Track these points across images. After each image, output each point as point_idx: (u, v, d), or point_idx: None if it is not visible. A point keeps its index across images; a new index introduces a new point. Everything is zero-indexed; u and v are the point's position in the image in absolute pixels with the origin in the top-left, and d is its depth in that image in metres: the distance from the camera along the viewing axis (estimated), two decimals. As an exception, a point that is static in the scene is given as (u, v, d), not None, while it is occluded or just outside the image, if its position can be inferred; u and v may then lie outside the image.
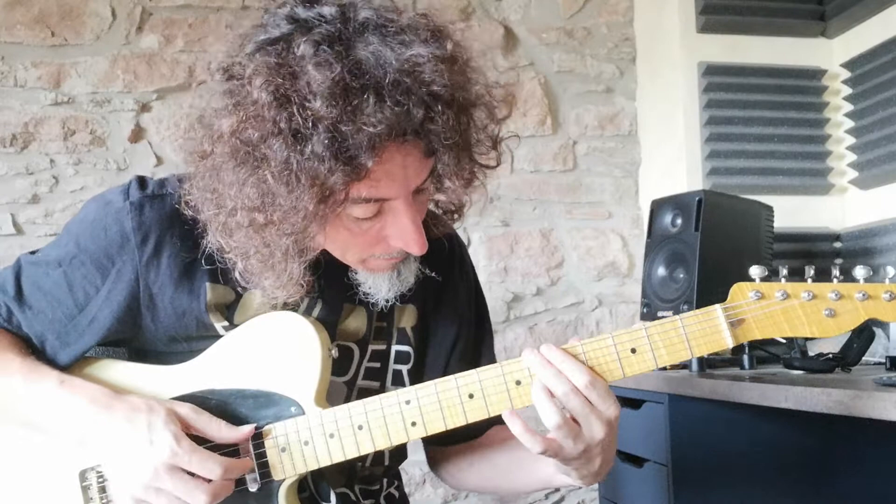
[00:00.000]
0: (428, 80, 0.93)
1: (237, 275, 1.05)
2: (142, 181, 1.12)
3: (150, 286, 1.10)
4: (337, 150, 0.91)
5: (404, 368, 1.23)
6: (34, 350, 1.12)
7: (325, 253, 1.10)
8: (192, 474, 1.01)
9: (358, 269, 1.10)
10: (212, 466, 1.01)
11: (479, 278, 1.36)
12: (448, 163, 0.99)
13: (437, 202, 1.13)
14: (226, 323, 1.12)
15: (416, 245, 1.03)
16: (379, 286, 1.11)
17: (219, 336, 1.12)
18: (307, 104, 0.91)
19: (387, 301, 1.13)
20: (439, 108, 0.94)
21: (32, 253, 1.17)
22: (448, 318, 1.27)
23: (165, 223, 1.09)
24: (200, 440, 1.05)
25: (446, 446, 1.30)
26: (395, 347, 1.23)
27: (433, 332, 1.27)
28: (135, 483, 1.02)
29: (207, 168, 1.00)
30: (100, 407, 1.05)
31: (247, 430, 1.06)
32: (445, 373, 1.24)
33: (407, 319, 1.24)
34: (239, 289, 1.11)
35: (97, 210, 1.11)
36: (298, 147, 0.91)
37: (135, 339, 1.15)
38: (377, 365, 1.21)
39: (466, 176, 1.03)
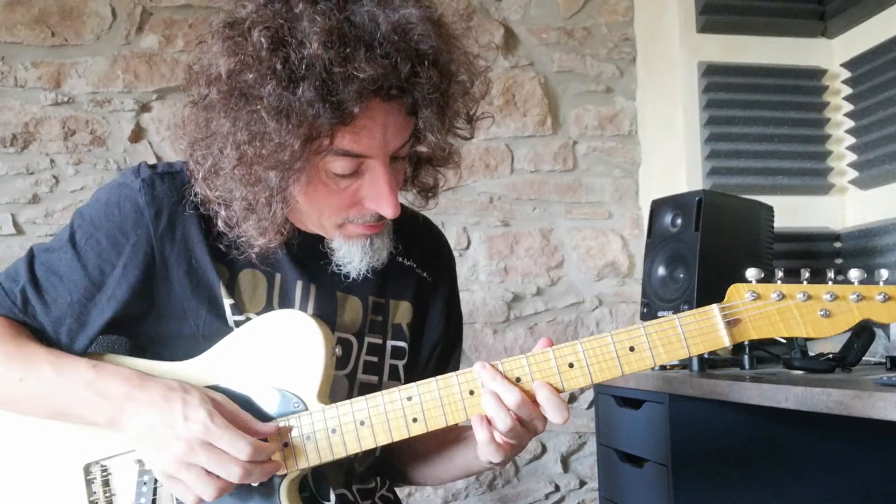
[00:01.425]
0: (416, 38, 1.00)
1: (220, 223, 1.09)
2: (150, 164, 1.17)
3: (167, 258, 1.13)
4: (326, 94, 0.96)
5: (400, 364, 1.25)
6: (49, 342, 1.13)
7: (302, 240, 1.14)
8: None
9: (334, 236, 1.13)
10: (242, 446, 1.02)
11: (479, 278, 1.38)
12: (429, 118, 1.04)
13: (415, 180, 1.18)
14: (232, 301, 1.14)
15: (389, 206, 1.06)
16: (352, 255, 1.14)
17: (225, 316, 1.14)
18: (302, 48, 0.96)
19: (359, 273, 1.15)
20: (425, 65, 1.00)
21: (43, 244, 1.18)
22: (436, 319, 1.30)
23: (177, 196, 1.13)
24: None
25: None
26: (390, 343, 1.24)
27: (425, 330, 1.29)
28: (168, 458, 1.03)
29: (201, 109, 1.05)
30: (134, 386, 1.06)
31: (271, 426, 1.07)
32: (424, 372, 1.27)
33: (402, 315, 1.26)
34: (233, 268, 1.15)
35: (110, 191, 1.15)
36: (291, 87, 0.97)
37: (144, 318, 1.16)
38: (374, 359, 1.23)
39: (445, 134, 1.08)
